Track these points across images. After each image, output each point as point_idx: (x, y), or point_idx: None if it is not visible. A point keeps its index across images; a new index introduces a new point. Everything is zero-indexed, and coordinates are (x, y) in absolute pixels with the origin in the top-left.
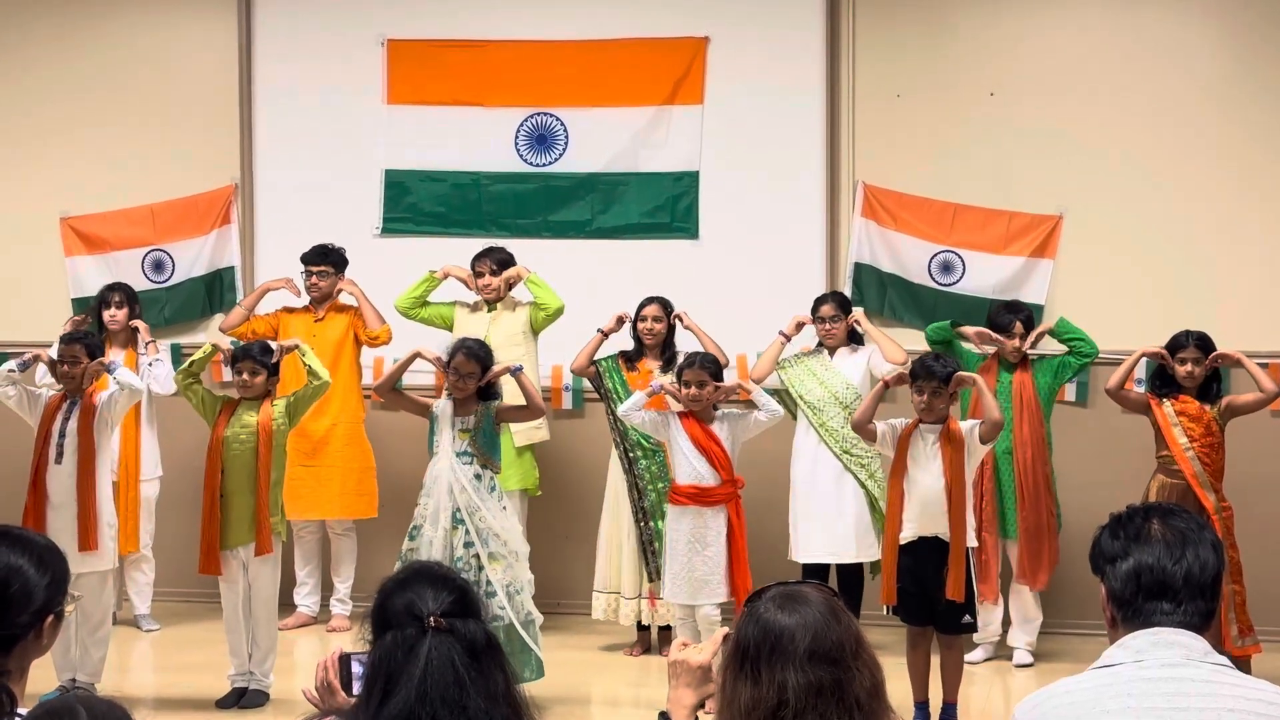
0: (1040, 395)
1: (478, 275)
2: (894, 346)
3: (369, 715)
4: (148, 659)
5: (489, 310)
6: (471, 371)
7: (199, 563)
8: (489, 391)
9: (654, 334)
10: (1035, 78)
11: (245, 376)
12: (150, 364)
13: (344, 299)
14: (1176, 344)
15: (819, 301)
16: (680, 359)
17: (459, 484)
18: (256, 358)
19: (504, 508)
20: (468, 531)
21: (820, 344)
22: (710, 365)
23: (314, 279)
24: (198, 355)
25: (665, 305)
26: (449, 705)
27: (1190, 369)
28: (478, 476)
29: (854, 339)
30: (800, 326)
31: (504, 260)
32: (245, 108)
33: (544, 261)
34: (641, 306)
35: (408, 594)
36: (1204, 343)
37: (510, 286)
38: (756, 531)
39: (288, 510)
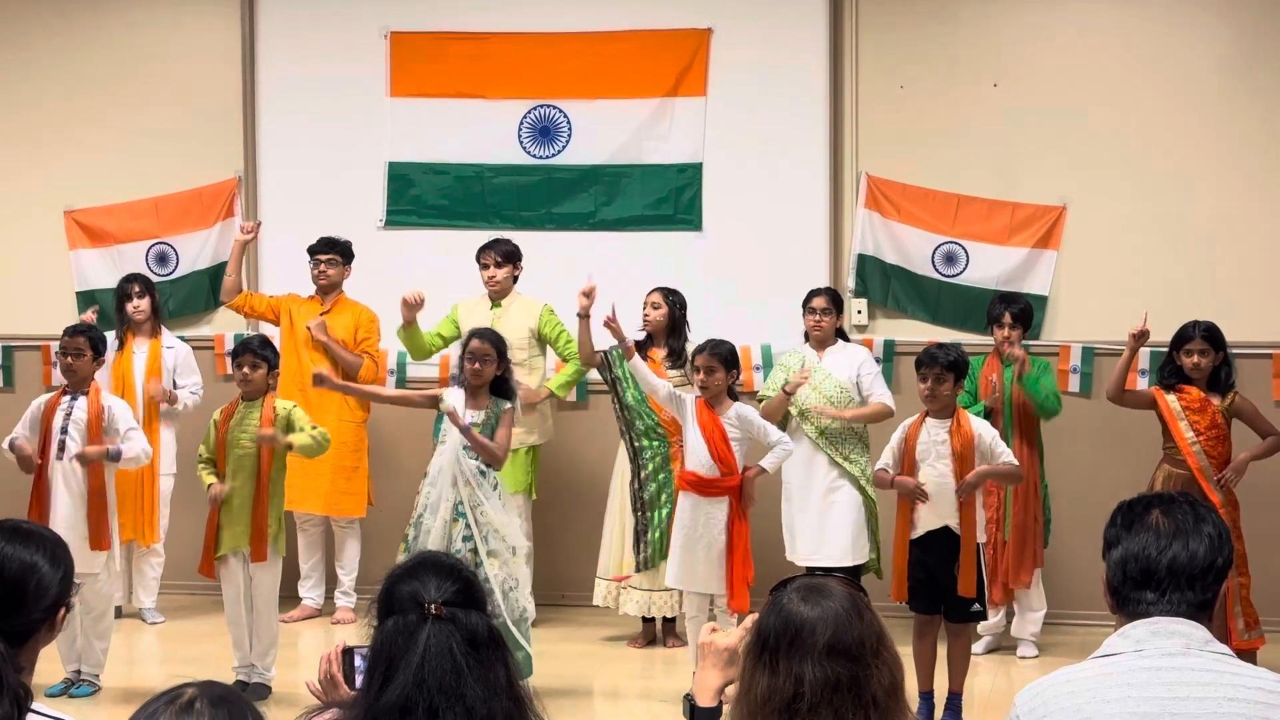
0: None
1: (483, 267)
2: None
3: (369, 701)
4: (153, 651)
5: (494, 307)
6: (487, 353)
7: (200, 562)
8: (504, 389)
9: (651, 321)
10: (1038, 68)
11: (246, 371)
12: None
13: (350, 294)
14: (1183, 335)
15: (812, 293)
16: (690, 348)
17: (463, 476)
18: (256, 351)
19: (503, 505)
20: (467, 525)
21: (807, 338)
22: (722, 352)
23: (322, 267)
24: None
25: (665, 292)
26: (446, 693)
27: (1197, 360)
28: (482, 471)
29: (840, 336)
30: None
31: (509, 252)
32: (249, 100)
33: (547, 253)
34: (648, 297)
35: (413, 582)
36: (1211, 334)
37: (515, 280)
38: (754, 530)
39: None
